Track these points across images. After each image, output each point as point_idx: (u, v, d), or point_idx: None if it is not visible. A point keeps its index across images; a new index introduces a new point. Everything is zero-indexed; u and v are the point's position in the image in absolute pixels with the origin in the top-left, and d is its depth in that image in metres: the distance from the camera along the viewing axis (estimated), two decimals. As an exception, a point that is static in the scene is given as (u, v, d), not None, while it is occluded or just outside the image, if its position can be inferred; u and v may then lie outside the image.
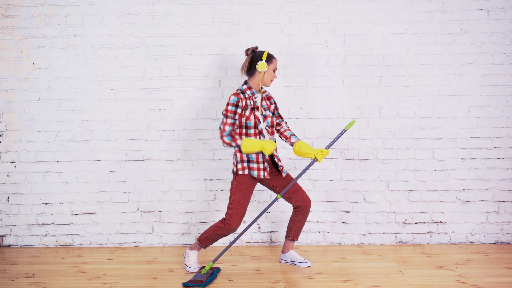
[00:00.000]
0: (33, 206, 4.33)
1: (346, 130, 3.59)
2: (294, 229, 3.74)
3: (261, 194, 4.31)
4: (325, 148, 3.56)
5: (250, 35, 4.25)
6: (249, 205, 4.28)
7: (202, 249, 3.96)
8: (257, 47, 3.60)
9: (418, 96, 4.26)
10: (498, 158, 4.24)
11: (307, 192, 4.27)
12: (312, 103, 4.28)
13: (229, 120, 3.47)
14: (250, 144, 3.44)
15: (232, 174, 3.62)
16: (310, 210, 4.27)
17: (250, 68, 3.57)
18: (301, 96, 4.28)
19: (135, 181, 4.32)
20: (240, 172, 3.53)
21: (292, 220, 3.73)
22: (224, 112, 3.48)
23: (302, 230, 4.28)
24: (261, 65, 3.51)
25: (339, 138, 3.89)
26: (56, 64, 4.31)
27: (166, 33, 4.29)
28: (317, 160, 3.54)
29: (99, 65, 4.31)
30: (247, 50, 3.58)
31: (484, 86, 4.24)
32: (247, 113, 3.51)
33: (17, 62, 4.31)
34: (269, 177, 3.58)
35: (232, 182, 3.57)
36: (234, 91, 4.19)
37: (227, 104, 3.49)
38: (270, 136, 3.60)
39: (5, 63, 4.31)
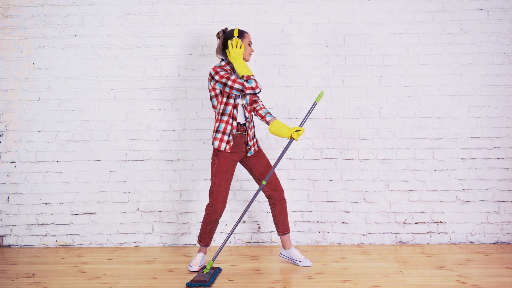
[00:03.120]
0: (33, 206, 4.33)
1: (316, 103, 3.63)
2: (280, 223, 3.77)
3: (261, 193, 4.30)
4: (300, 126, 3.61)
5: (250, 35, 4.24)
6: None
7: (209, 248, 3.93)
8: (226, 28, 3.65)
9: (418, 96, 4.26)
10: (498, 158, 4.24)
11: (306, 192, 4.28)
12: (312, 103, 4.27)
13: (233, 77, 3.52)
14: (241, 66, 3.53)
15: (212, 154, 3.66)
16: (310, 210, 4.28)
17: (226, 47, 3.61)
18: (301, 96, 4.28)
19: (135, 181, 4.32)
20: (213, 143, 3.58)
21: (274, 216, 3.77)
22: (224, 80, 3.51)
23: (302, 230, 4.29)
24: (235, 41, 3.54)
25: (311, 113, 3.89)
26: (56, 64, 4.31)
27: (166, 33, 4.29)
28: (294, 139, 3.59)
29: (99, 65, 4.31)
30: (218, 33, 3.64)
31: (484, 86, 4.24)
32: None
33: (17, 62, 4.31)
34: (229, 151, 3.58)
35: (211, 164, 3.62)
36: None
37: (217, 74, 3.53)
38: (247, 114, 3.63)
39: (5, 63, 4.31)
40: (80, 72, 4.31)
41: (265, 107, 3.78)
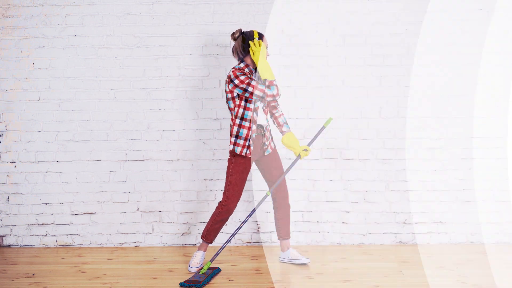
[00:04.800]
0: (33, 206, 4.33)
1: (324, 128, 3.67)
2: (280, 228, 3.78)
3: (262, 194, 4.30)
4: (308, 145, 3.66)
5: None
6: (248, 206, 4.29)
7: (209, 249, 3.92)
8: (241, 29, 3.61)
9: (418, 96, 4.25)
10: (498, 158, 4.24)
11: (306, 192, 4.28)
12: (312, 103, 4.28)
13: (253, 82, 3.49)
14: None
15: (229, 155, 3.64)
16: (310, 210, 4.28)
17: (246, 48, 3.56)
18: (301, 96, 4.28)
19: (135, 181, 4.32)
20: (235, 150, 3.56)
21: (276, 219, 3.79)
22: (244, 86, 3.48)
23: (302, 230, 4.28)
24: (258, 42, 3.53)
25: (319, 135, 3.85)
26: (56, 64, 4.31)
27: (166, 33, 4.29)
28: (300, 157, 3.64)
29: (99, 65, 4.31)
30: (234, 34, 3.58)
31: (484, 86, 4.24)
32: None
33: (17, 62, 4.31)
34: (250, 156, 3.59)
35: (228, 163, 3.60)
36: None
37: (236, 78, 3.49)
38: (265, 116, 3.64)
39: (5, 63, 4.31)
40: (80, 72, 4.31)
41: (283, 114, 3.81)
